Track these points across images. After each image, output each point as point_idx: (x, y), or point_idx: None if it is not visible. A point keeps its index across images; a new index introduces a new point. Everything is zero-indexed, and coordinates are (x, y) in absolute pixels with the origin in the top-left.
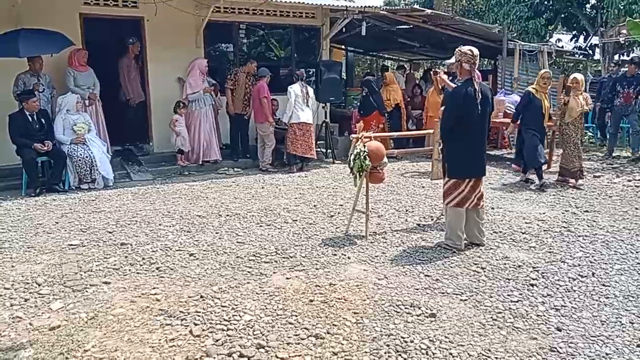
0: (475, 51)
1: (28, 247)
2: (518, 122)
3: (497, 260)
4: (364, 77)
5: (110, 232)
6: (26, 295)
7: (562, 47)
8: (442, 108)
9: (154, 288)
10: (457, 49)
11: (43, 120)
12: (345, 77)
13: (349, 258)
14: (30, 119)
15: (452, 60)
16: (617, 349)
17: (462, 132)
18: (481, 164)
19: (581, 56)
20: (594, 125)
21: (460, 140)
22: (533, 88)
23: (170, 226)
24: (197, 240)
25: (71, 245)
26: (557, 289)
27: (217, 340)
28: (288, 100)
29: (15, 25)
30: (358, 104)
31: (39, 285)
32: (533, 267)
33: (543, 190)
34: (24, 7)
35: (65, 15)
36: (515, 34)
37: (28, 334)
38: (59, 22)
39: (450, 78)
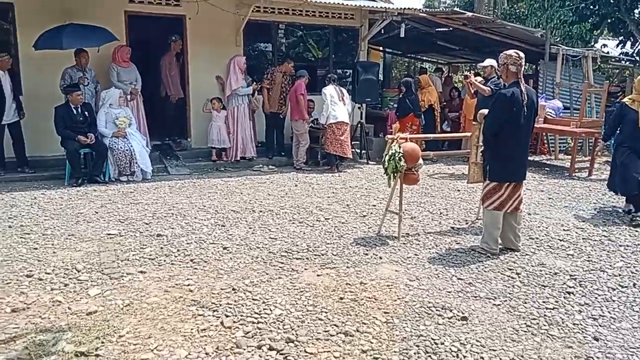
0: (521, 54)
1: (69, 235)
2: (608, 143)
3: (532, 266)
4: (402, 79)
5: (147, 224)
6: (66, 281)
7: (608, 52)
8: (485, 111)
9: (188, 279)
10: (502, 53)
11: (87, 113)
12: (382, 79)
13: (380, 258)
14: (74, 111)
15: (485, 63)
16: None
17: (506, 135)
18: (523, 168)
19: (628, 62)
20: None
21: (505, 144)
22: (629, 99)
23: (205, 220)
24: (230, 235)
25: (109, 234)
26: (596, 298)
27: (248, 333)
28: (324, 102)
29: (64, 21)
30: (395, 105)
31: (78, 271)
32: (570, 275)
33: (634, 224)
34: (73, 4)
35: (112, 12)
36: (558, 39)
37: (67, 317)
38: (105, 19)
39: (483, 82)
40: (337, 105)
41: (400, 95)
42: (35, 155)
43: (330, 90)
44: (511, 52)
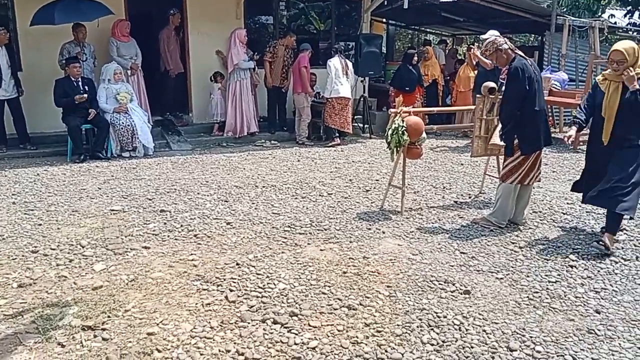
0: (496, 33)
1: (73, 211)
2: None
3: (535, 240)
4: (405, 51)
5: (150, 199)
6: (71, 256)
7: (615, 23)
8: (489, 84)
9: (192, 254)
10: (485, 42)
11: (87, 88)
12: (385, 51)
13: (383, 232)
14: (75, 84)
15: (487, 35)
16: None
17: (530, 105)
18: (548, 132)
19: (635, 33)
20: None
21: (530, 114)
22: (602, 76)
23: (208, 195)
24: (234, 210)
25: (113, 210)
26: (598, 271)
27: (252, 307)
28: (328, 75)
29: None
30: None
31: (83, 247)
32: (573, 249)
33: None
34: None
35: None
36: (564, 9)
37: (73, 292)
38: None
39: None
40: (340, 80)
41: (406, 68)
42: (36, 132)
43: (335, 63)
44: (490, 38)
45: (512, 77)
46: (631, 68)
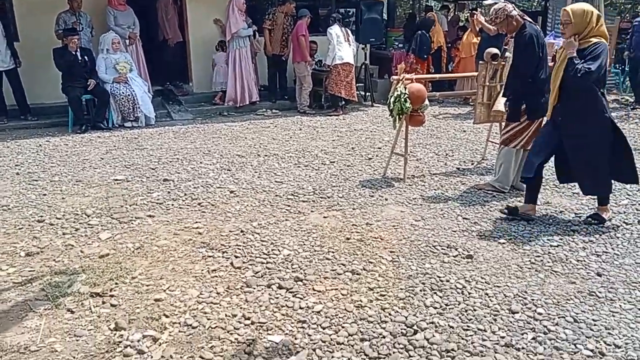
0: (500, 5)
1: (76, 181)
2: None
3: (538, 205)
4: (424, 17)
5: (153, 169)
6: (76, 225)
7: None
8: (493, 50)
9: (196, 222)
10: (492, 10)
11: (87, 58)
12: (386, 18)
13: (386, 200)
14: (74, 54)
15: (490, 1)
16: None
17: (538, 72)
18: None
19: None
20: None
21: (539, 81)
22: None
23: (210, 164)
24: (237, 179)
25: (116, 180)
26: (600, 235)
27: (257, 273)
28: (330, 43)
29: None
30: (400, 45)
31: (88, 216)
32: (575, 214)
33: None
34: None
35: None
36: None
37: (80, 260)
38: None
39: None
40: (342, 46)
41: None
42: (36, 102)
43: (336, 30)
44: (500, 4)
45: (527, 44)
46: (576, 36)
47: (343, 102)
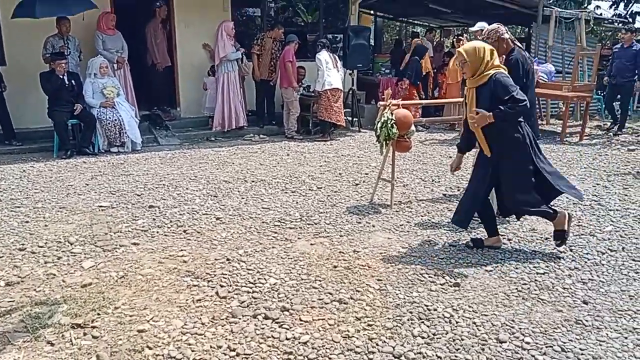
0: (495, 25)
1: (60, 208)
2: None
3: (524, 232)
4: (419, 44)
5: (138, 195)
6: (59, 254)
7: (601, 14)
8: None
9: (181, 250)
10: (486, 32)
11: (74, 82)
12: (373, 44)
13: (373, 226)
14: (61, 79)
15: (476, 27)
16: None
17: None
18: (536, 125)
19: (620, 24)
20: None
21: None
22: None
23: (197, 190)
24: (223, 205)
25: (101, 206)
26: (585, 262)
27: (243, 302)
28: (319, 68)
29: None
30: (387, 70)
31: (71, 244)
32: None
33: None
34: None
35: None
36: (551, 1)
37: (61, 290)
38: None
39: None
40: (331, 72)
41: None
42: (22, 127)
43: (325, 56)
44: (494, 26)
45: (511, 69)
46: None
47: (332, 128)
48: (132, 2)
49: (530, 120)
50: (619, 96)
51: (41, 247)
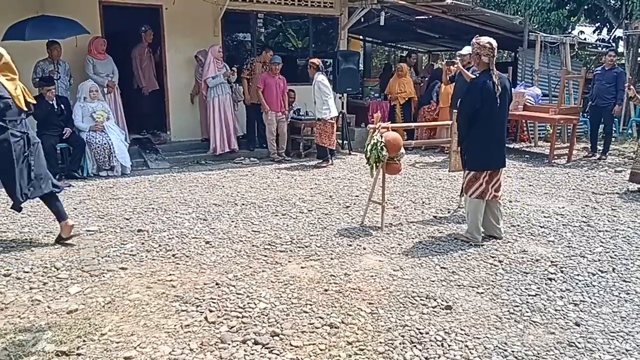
0: (494, 43)
1: (47, 232)
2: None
3: (514, 253)
4: (436, 68)
5: (127, 219)
6: (45, 279)
7: (585, 39)
8: (458, 100)
9: (170, 274)
10: (474, 40)
11: (63, 106)
12: (362, 68)
13: (364, 249)
14: (50, 103)
15: (464, 51)
16: (638, 345)
17: (480, 124)
18: (500, 155)
19: (604, 48)
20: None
21: (479, 133)
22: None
23: (186, 214)
24: (213, 229)
25: (89, 231)
26: (576, 283)
27: (232, 327)
28: (325, 94)
29: (36, 12)
30: (376, 95)
31: (58, 269)
32: (551, 262)
33: None
34: None
35: (86, 3)
36: (536, 26)
37: (47, 316)
38: (79, 10)
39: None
40: (331, 98)
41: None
42: None
43: (326, 81)
44: (485, 42)
45: (469, 90)
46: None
47: (330, 155)
48: (122, 27)
49: (490, 147)
50: (602, 119)
51: (27, 272)
